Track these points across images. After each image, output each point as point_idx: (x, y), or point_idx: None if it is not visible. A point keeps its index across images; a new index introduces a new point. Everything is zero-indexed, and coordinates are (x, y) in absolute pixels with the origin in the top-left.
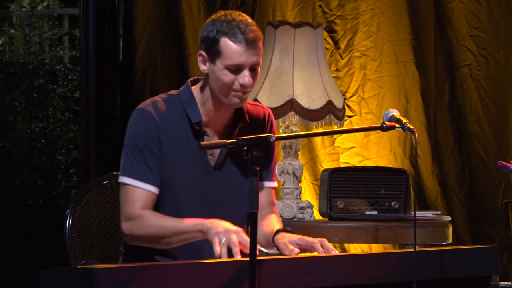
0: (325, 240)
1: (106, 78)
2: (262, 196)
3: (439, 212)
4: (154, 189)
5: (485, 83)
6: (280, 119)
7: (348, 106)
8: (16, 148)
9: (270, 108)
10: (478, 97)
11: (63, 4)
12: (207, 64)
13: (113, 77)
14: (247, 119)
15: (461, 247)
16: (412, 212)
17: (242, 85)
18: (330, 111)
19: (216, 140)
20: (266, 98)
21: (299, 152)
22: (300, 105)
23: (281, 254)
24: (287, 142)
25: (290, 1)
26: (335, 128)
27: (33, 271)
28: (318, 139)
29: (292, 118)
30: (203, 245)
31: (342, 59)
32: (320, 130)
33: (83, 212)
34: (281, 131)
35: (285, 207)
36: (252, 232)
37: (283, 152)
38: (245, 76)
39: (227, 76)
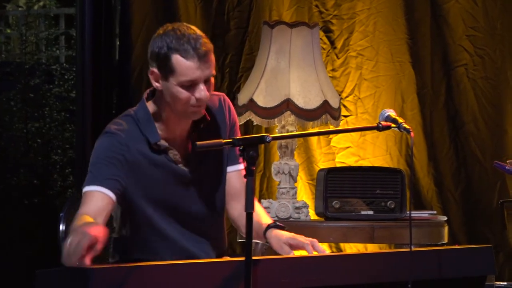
0: (315, 241)
1: (102, 77)
2: (236, 180)
3: (435, 212)
4: (108, 192)
5: (481, 83)
6: (276, 119)
7: (344, 106)
8: (12, 148)
9: (266, 107)
10: (474, 97)
11: (59, 4)
12: (160, 81)
13: (109, 76)
14: (208, 117)
15: (457, 247)
16: (408, 212)
17: (198, 99)
18: (326, 111)
19: (211, 140)
20: (262, 98)
21: (295, 152)
22: (296, 105)
23: (272, 249)
24: (283, 142)
25: (287, 0)
26: (331, 128)
27: (29, 271)
28: (314, 139)
29: (288, 117)
30: (193, 249)
31: (338, 58)
32: (316, 130)
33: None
34: (277, 130)
35: (281, 207)
36: (248, 232)
37: (279, 152)
38: (201, 91)
39: (182, 93)
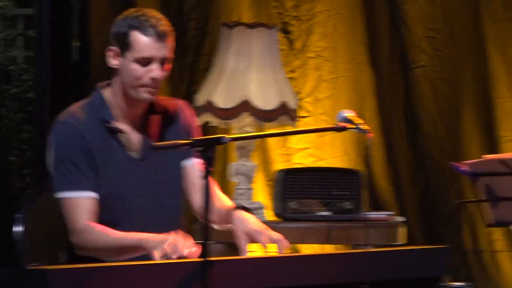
0: (281, 240)
1: (60, 78)
2: (194, 173)
3: (392, 213)
4: (93, 195)
5: (440, 84)
6: (234, 120)
7: (303, 107)
8: None
9: (224, 108)
10: (432, 98)
11: (17, 5)
12: (118, 58)
13: (67, 77)
14: (161, 111)
15: (413, 247)
16: (365, 213)
17: (152, 79)
18: (284, 112)
19: (169, 141)
20: (220, 99)
21: (252, 153)
22: (254, 106)
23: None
24: (241, 142)
25: (246, 1)
26: (289, 129)
27: None
28: (271, 140)
29: (246, 118)
30: None
31: (297, 60)
32: (275, 131)
33: (35, 214)
34: (235, 132)
35: None
36: (205, 232)
37: (237, 153)
38: (155, 70)
39: (137, 70)
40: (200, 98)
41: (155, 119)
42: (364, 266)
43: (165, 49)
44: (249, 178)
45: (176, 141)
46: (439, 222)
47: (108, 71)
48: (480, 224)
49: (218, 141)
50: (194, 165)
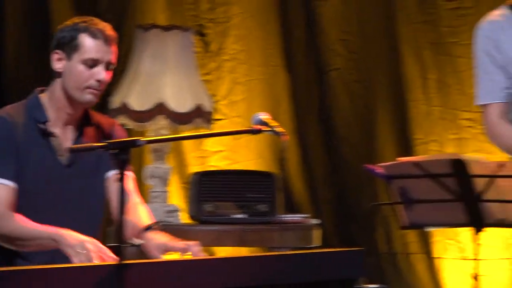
0: (195, 245)
1: None
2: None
3: (307, 215)
4: (13, 184)
5: (355, 86)
6: (149, 123)
7: (218, 110)
8: None
9: (139, 111)
10: (347, 101)
11: None
12: (63, 62)
13: None
14: (95, 123)
15: (328, 249)
16: (280, 215)
17: (97, 81)
18: (199, 115)
19: (86, 144)
20: (136, 101)
21: (168, 156)
22: (169, 109)
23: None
24: (156, 145)
25: (161, 4)
26: (204, 131)
27: None
28: (187, 143)
29: (162, 121)
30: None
31: (213, 62)
32: (190, 133)
33: None
34: (150, 134)
35: (153, 211)
36: (119, 236)
37: (152, 155)
38: (101, 72)
39: (84, 72)
40: (115, 101)
41: (90, 130)
42: (278, 269)
43: (111, 54)
44: (164, 180)
45: (91, 144)
46: (354, 224)
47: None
48: (394, 226)
49: (133, 143)
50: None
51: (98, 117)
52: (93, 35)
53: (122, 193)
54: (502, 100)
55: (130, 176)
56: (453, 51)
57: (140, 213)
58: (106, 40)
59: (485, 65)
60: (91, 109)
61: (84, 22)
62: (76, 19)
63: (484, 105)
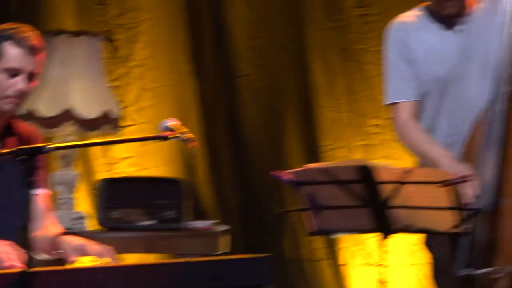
0: (109, 250)
1: None
2: (38, 203)
3: (215, 222)
4: None
5: (263, 93)
6: (57, 129)
7: (127, 116)
8: None
9: (46, 117)
10: (256, 107)
11: None
12: None
13: None
14: (17, 133)
15: (236, 256)
16: (188, 222)
17: (17, 91)
18: (107, 121)
19: None
20: (44, 107)
21: (75, 162)
22: (77, 115)
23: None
24: (63, 151)
25: (70, 9)
26: (112, 137)
27: None
28: (95, 149)
29: (69, 127)
30: None
31: (122, 68)
32: (98, 139)
33: None
34: (58, 140)
35: (59, 218)
36: (25, 244)
37: (59, 162)
38: (21, 82)
39: (4, 80)
40: (23, 106)
41: (11, 140)
42: (186, 276)
43: (34, 64)
44: (71, 187)
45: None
46: (262, 231)
47: None
48: (301, 233)
49: (40, 150)
50: (37, 195)
51: (21, 126)
52: (17, 43)
53: (29, 200)
54: (413, 99)
55: (45, 195)
56: (361, 57)
57: (48, 227)
58: (30, 49)
59: (396, 64)
60: (15, 119)
61: (11, 29)
62: (4, 25)
63: (395, 104)
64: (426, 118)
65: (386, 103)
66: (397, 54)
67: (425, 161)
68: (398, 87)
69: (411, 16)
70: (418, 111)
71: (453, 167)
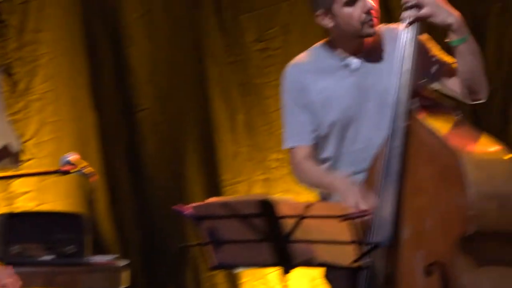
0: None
1: None
2: None
3: (116, 256)
4: None
5: (163, 127)
6: None
7: (26, 150)
8: None
9: None
10: (156, 141)
11: None
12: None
13: None
14: None
15: None
16: (89, 257)
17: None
18: (7, 155)
19: None
20: None
21: None
22: None
23: None
24: None
25: None
26: (12, 172)
27: None
28: None
29: None
30: None
31: (21, 102)
32: None
33: None
34: None
35: None
36: None
37: None
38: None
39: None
40: None
41: None
42: None
43: None
44: None
45: None
46: (163, 266)
47: None
48: (203, 268)
49: None
50: None
51: None
52: None
53: None
54: (309, 143)
55: None
56: (261, 91)
57: None
58: None
59: (292, 109)
60: None
61: None
62: None
63: (291, 148)
64: (326, 159)
65: (284, 147)
66: (293, 99)
67: (324, 195)
68: (294, 131)
69: (307, 56)
70: (314, 153)
71: (349, 190)
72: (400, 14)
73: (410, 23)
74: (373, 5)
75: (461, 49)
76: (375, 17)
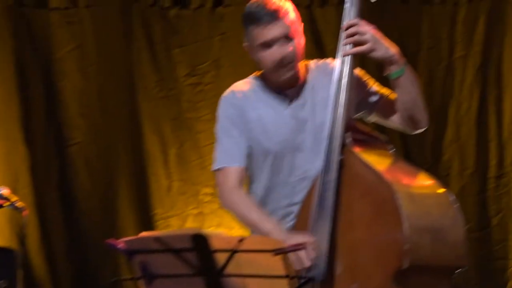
0: None
1: None
2: None
3: None
4: None
5: (95, 161)
6: None
7: None
8: None
9: None
10: (87, 175)
11: None
12: None
13: None
14: None
15: None
16: None
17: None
18: None
19: None
20: None
21: None
22: None
23: None
24: None
25: None
26: None
27: None
28: None
29: None
30: None
31: None
32: None
33: None
34: None
35: None
36: None
37: None
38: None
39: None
40: None
41: None
42: None
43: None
44: None
45: None
46: None
47: None
48: None
49: None
50: None
51: None
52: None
53: None
54: (241, 165)
55: None
56: (193, 126)
57: None
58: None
59: (228, 131)
60: None
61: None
62: None
63: (222, 169)
64: (259, 188)
65: (215, 168)
66: (230, 121)
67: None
68: (228, 152)
69: (245, 85)
70: (244, 178)
71: (284, 238)
72: (332, 49)
73: (349, 57)
74: (290, 51)
75: (401, 80)
76: (294, 61)
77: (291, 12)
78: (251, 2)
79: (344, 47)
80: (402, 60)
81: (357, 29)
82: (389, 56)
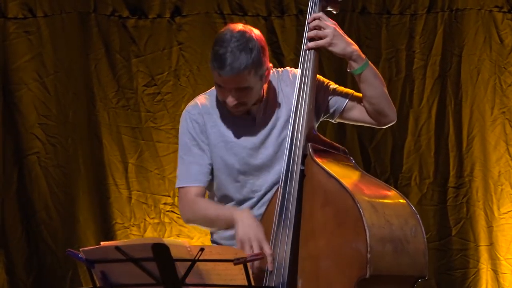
0: None
1: None
2: None
3: None
4: None
5: (54, 171)
6: None
7: None
8: None
9: None
10: (46, 184)
11: None
12: None
13: None
14: None
15: None
16: None
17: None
18: None
19: None
20: None
21: None
22: None
23: None
24: None
25: None
26: None
27: None
28: None
29: None
30: None
31: None
32: None
33: None
34: None
35: None
36: None
37: None
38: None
39: None
40: None
41: None
42: None
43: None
44: None
45: None
46: None
47: None
48: None
49: None
50: None
51: None
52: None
53: None
54: (203, 185)
55: None
56: (152, 135)
57: None
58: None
59: (190, 148)
60: None
61: None
62: None
63: (183, 187)
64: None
65: (178, 186)
66: (191, 139)
67: (216, 239)
68: (188, 172)
69: (207, 99)
70: (204, 195)
71: (249, 225)
72: (292, 59)
73: (311, 54)
74: (236, 103)
75: (365, 75)
76: (243, 106)
77: (253, 67)
78: (224, 33)
79: (307, 42)
80: (362, 55)
81: (318, 22)
82: (348, 52)
